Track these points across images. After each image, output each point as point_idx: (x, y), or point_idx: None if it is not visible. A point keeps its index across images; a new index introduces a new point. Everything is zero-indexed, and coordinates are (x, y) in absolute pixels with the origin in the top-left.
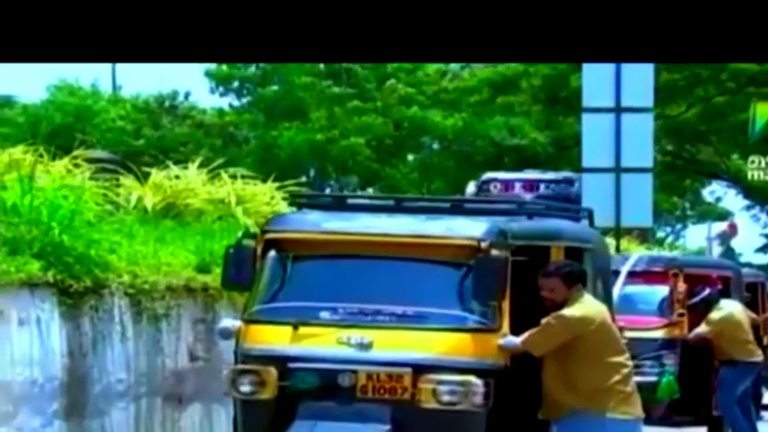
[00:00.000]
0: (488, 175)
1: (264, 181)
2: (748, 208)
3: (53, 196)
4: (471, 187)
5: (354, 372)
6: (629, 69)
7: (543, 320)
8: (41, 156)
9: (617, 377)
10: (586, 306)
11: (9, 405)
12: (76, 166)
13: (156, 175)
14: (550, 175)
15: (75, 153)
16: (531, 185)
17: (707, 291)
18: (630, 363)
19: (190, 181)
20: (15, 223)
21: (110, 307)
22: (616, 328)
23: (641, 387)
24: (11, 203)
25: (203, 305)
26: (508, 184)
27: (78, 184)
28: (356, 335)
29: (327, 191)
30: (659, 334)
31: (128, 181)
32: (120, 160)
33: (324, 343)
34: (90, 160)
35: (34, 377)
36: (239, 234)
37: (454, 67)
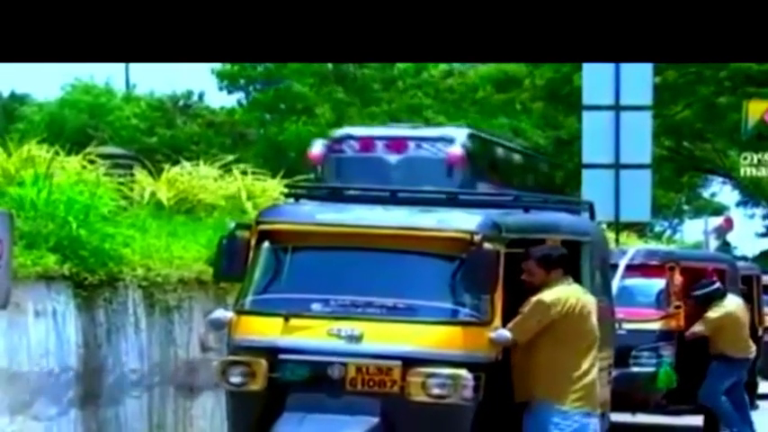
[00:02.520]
0: (342, 131)
1: (274, 177)
2: (744, 204)
3: (69, 191)
4: (318, 147)
5: (344, 364)
6: (628, 68)
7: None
8: (57, 152)
9: (575, 365)
10: (561, 290)
11: (26, 394)
12: (91, 162)
13: (169, 171)
14: (423, 132)
15: (90, 150)
16: (398, 144)
17: (715, 285)
18: (593, 356)
19: (202, 177)
20: (32, 217)
21: (124, 299)
22: (594, 321)
23: (640, 377)
24: (28, 198)
25: (214, 297)
26: (368, 143)
27: (93, 179)
28: (346, 327)
29: None
30: (656, 325)
31: (141, 177)
32: (134, 156)
33: (314, 335)
34: (104, 156)
35: (50, 367)
36: (231, 225)
37: (458, 66)
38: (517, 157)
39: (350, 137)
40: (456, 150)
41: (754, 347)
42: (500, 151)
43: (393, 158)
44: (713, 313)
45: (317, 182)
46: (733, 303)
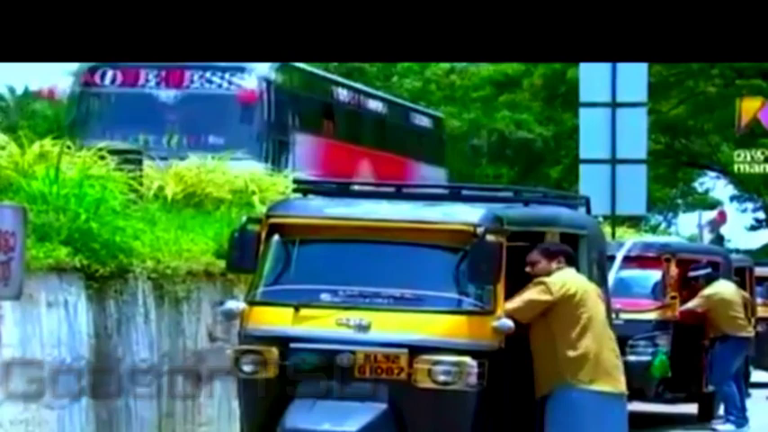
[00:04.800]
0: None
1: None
2: (738, 198)
3: (80, 185)
4: (60, 81)
5: (353, 352)
6: (624, 66)
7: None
8: (69, 147)
9: (594, 349)
10: (566, 275)
11: (39, 383)
12: (101, 157)
13: (177, 165)
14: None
15: (101, 145)
16: (174, 77)
17: (709, 268)
18: (613, 341)
19: (209, 171)
20: (44, 211)
21: (134, 291)
22: (601, 306)
23: (636, 366)
24: (40, 192)
25: (222, 289)
26: (134, 74)
27: (104, 173)
28: (355, 317)
29: None
30: (652, 316)
31: (151, 171)
32: (143, 151)
33: (324, 324)
34: (114, 151)
35: (62, 357)
36: (243, 219)
37: (459, 65)
38: (377, 107)
39: (109, 67)
40: (250, 84)
41: (751, 328)
42: (343, 94)
43: (168, 95)
44: (708, 290)
45: (66, 128)
46: (726, 286)
